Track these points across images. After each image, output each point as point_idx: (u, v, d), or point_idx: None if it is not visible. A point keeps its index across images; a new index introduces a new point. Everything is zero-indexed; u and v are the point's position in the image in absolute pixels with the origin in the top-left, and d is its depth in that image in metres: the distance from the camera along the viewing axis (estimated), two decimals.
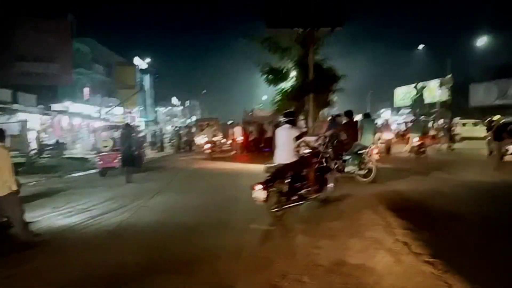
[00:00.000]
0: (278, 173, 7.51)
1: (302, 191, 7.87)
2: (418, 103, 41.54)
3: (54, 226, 7.92)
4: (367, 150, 11.36)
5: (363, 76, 38.90)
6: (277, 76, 16.80)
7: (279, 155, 7.72)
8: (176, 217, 8.37)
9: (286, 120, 7.86)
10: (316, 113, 17.21)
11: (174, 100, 67.46)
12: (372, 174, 11.14)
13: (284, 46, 16.11)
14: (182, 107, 70.90)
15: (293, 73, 17.56)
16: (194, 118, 69.38)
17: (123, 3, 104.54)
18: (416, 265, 5.05)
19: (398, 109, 57.29)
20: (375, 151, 11.78)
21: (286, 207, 7.51)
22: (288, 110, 8.32)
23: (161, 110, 61.49)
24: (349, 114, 12.26)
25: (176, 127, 34.39)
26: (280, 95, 17.18)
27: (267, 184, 7.16)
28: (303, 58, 16.63)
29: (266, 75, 16.86)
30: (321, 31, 16.65)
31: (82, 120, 33.44)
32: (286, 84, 17.73)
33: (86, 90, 41.89)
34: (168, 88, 61.51)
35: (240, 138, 23.21)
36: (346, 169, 11.27)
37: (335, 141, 10.69)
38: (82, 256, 6.05)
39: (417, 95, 42.02)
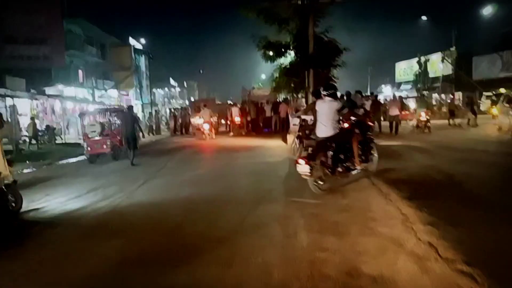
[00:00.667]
0: (321, 146, 7.53)
1: (347, 163, 7.84)
2: (421, 78, 40.06)
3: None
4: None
5: (363, 50, 37.36)
6: (275, 51, 15.55)
7: (322, 129, 7.61)
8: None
9: (327, 93, 7.72)
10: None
11: (172, 81, 65.96)
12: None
13: (281, 17, 14.82)
14: (179, 89, 69.43)
15: (292, 49, 16.29)
16: (192, 99, 68.22)
17: None
18: (448, 277, 3.98)
19: (399, 84, 55.92)
20: None
21: (332, 179, 7.54)
22: (329, 83, 8.37)
23: (159, 91, 60.04)
24: (373, 95, 12.14)
25: (171, 109, 33.05)
26: (278, 71, 15.93)
27: (309, 159, 7.14)
28: (302, 30, 15.39)
29: (263, 50, 15.61)
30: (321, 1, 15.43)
31: (75, 104, 32.18)
32: (285, 60, 16.51)
33: (80, 73, 40.60)
34: (165, 69, 60.04)
35: (237, 119, 22.08)
36: None
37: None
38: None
39: (420, 69, 40.43)
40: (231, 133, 22.66)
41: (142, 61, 52.26)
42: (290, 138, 14.41)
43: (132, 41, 48.68)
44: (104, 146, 14.95)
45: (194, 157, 15.36)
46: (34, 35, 34.78)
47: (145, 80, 53.93)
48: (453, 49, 35.01)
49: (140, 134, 14.64)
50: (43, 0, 35.40)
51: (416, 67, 47.69)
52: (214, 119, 25.19)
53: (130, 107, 15.98)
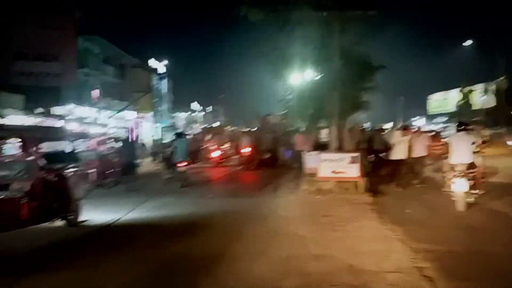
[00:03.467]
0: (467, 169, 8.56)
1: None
2: (464, 110, 35.09)
3: None
4: None
5: (394, 78, 32.54)
6: (288, 64, 11.46)
7: (462, 156, 8.65)
8: None
9: (462, 128, 9.00)
10: (343, 119, 11.76)
11: (195, 105, 62.74)
12: None
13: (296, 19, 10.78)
14: (203, 113, 66.13)
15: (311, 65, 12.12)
16: (217, 124, 64.75)
17: (139, 2, 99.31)
18: None
19: (432, 116, 50.83)
20: None
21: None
22: (461, 121, 9.68)
23: (180, 115, 56.83)
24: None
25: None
26: (292, 93, 11.68)
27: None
28: (324, 39, 11.31)
29: (273, 64, 11.52)
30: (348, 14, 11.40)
31: (80, 126, 28.92)
32: (302, 79, 12.40)
33: (95, 93, 37.64)
34: (188, 92, 57.00)
35: (247, 150, 17.97)
36: None
37: None
38: None
39: (463, 100, 35.43)
40: (239, 167, 18.48)
41: (164, 83, 49.28)
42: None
43: (154, 63, 45.70)
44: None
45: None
46: (46, 51, 32.06)
47: (167, 102, 50.90)
48: (502, 78, 30.16)
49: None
50: (59, 15, 32.82)
51: (453, 99, 42.75)
52: (226, 147, 21.60)
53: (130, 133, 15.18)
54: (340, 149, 11.33)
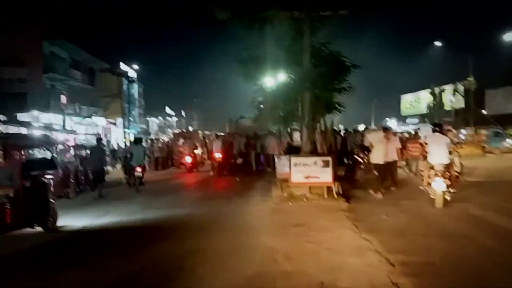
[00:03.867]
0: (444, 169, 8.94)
1: None
2: (435, 111, 35.18)
3: None
4: None
5: (367, 79, 32.34)
6: (259, 65, 10.92)
7: (439, 157, 8.99)
8: None
9: (437, 129, 9.55)
10: (315, 121, 11.32)
11: (168, 110, 61.70)
12: None
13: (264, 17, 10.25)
14: (176, 118, 65.13)
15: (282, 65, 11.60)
16: (191, 129, 63.73)
17: (108, 5, 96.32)
18: None
19: (404, 118, 51.27)
20: None
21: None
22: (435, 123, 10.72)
23: (153, 120, 55.72)
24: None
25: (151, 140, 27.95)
26: (263, 95, 11.11)
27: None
28: (294, 38, 10.86)
29: (243, 65, 10.94)
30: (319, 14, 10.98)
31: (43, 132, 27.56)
32: (273, 80, 11.89)
33: (63, 98, 36.30)
34: (160, 97, 55.92)
35: (218, 155, 17.34)
36: None
37: None
38: None
39: (435, 101, 35.52)
40: (211, 172, 17.84)
41: (135, 88, 48.14)
42: None
43: (124, 66, 44.48)
44: None
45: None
46: (10, 56, 30.71)
47: (138, 107, 49.73)
48: (471, 79, 30.30)
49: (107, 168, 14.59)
50: (23, 19, 31.43)
51: (424, 100, 43.12)
52: (198, 152, 21.05)
53: (98, 140, 15.35)
54: (313, 152, 10.86)
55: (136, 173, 13.99)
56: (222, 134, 23.39)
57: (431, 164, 9.11)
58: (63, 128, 30.04)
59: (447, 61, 35.99)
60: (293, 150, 11.89)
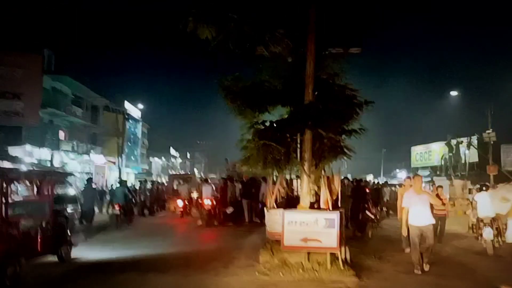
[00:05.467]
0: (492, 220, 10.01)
1: None
2: (450, 163, 32.33)
3: None
4: None
5: (375, 124, 29.67)
6: (250, 98, 8.66)
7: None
8: None
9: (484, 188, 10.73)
10: (319, 167, 8.86)
11: (172, 151, 59.69)
12: None
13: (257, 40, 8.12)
14: (181, 160, 63.01)
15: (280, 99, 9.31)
16: (196, 171, 61.38)
17: (115, 45, 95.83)
18: None
19: (416, 170, 48.44)
20: None
21: None
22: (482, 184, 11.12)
23: (156, 160, 53.63)
24: None
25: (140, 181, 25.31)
26: (250, 132, 8.67)
27: None
28: (294, 67, 8.74)
29: (225, 94, 8.65)
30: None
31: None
32: (267, 115, 9.58)
33: (62, 134, 34.53)
34: (164, 138, 54.04)
35: (207, 202, 14.92)
36: None
37: None
38: None
39: (451, 153, 32.70)
40: (199, 221, 15.26)
41: (139, 127, 46.42)
42: None
43: (128, 106, 42.98)
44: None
45: None
46: (7, 89, 29.24)
47: (140, 148, 47.79)
48: (490, 131, 27.84)
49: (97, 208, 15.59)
50: (23, 53, 30.13)
51: (436, 152, 40.64)
52: (194, 196, 18.63)
53: (89, 180, 16.15)
54: (315, 206, 8.44)
55: (114, 210, 14.97)
56: (214, 176, 21.12)
57: (480, 217, 10.44)
58: (51, 164, 27.79)
59: (462, 112, 33.42)
60: (292, 203, 9.41)
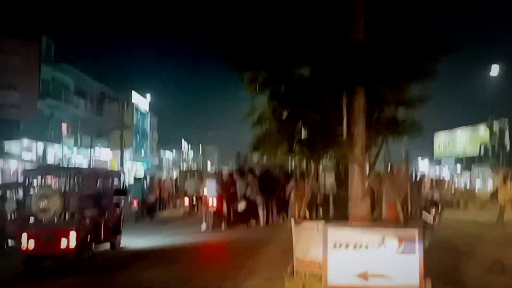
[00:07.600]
0: None
1: None
2: (494, 151, 27.46)
3: None
4: None
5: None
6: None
7: None
8: None
9: None
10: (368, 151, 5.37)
11: (184, 143, 56.57)
12: None
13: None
14: (192, 152, 59.93)
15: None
16: (209, 164, 58.28)
17: (121, 31, 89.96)
18: None
19: (439, 161, 44.21)
20: None
21: None
22: None
23: (168, 154, 50.62)
24: None
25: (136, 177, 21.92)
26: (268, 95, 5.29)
27: None
28: None
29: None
30: None
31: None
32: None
33: (64, 127, 31.64)
34: (176, 129, 51.05)
35: (213, 201, 11.62)
36: None
37: None
38: None
39: (492, 139, 28.05)
40: (203, 225, 11.95)
41: (147, 119, 43.36)
42: None
43: (136, 97, 39.89)
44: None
45: None
46: (2, 79, 26.39)
47: (151, 141, 44.80)
48: None
49: None
50: (19, 40, 27.19)
51: (461, 139, 36.75)
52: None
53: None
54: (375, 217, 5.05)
55: (133, 206, 14.92)
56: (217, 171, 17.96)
57: None
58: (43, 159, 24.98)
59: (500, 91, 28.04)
60: (325, 206, 6.03)
